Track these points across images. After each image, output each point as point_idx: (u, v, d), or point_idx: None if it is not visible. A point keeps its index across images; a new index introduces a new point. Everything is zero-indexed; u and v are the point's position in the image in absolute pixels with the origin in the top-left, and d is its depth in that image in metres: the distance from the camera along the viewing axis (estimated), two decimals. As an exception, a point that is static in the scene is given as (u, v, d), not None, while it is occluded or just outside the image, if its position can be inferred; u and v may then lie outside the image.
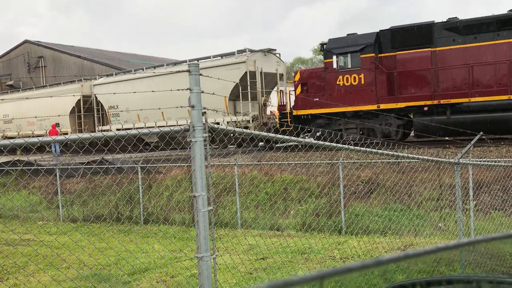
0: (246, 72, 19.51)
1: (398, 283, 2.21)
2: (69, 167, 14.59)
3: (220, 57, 20.88)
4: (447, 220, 9.95)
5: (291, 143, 4.77)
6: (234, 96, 19.90)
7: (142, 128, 4.09)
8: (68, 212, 13.64)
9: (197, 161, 3.29)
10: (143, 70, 24.07)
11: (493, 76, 15.19)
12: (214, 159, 14.95)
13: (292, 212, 11.82)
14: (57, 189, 14.15)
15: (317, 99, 17.54)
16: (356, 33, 17.56)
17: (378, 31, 17.02)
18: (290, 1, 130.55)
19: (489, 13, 16.03)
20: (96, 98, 25.61)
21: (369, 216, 10.50)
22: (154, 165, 13.22)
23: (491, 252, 2.43)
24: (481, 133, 7.94)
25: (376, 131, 17.05)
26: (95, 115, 25.90)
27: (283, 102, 19.94)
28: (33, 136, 3.52)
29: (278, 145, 17.92)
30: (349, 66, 17.15)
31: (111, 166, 13.67)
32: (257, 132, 4.05)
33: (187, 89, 3.34)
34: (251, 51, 20.37)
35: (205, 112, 3.38)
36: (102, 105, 25.56)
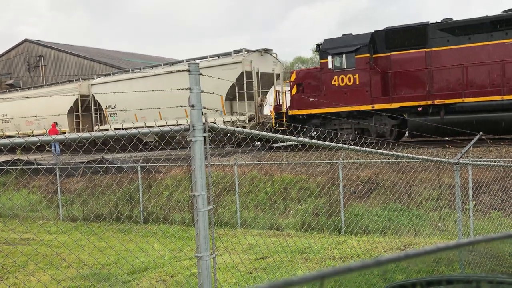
0: (242, 72, 19.57)
1: (397, 282, 2.21)
2: (69, 166, 14.59)
3: (217, 57, 20.95)
4: (446, 220, 9.95)
5: (290, 142, 4.77)
6: (231, 96, 19.94)
7: (142, 127, 4.09)
8: (68, 211, 13.64)
9: (197, 161, 3.29)
10: (140, 69, 24.10)
11: (487, 77, 15.29)
12: (214, 159, 14.95)
13: (291, 211, 11.82)
14: (57, 188, 14.15)
15: (313, 99, 17.62)
16: (351, 34, 17.63)
17: (373, 31, 17.10)
18: (290, 1, 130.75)
19: (489, 13, 16.08)
20: (93, 97, 25.62)
21: (368, 216, 10.50)
22: (154, 164, 13.22)
23: (490, 252, 2.43)
24: (481, 133, 7.94)
25: (371, 131, 17.12)
26: (93, 114, 25.90)
27: (279, 102, 20.00)
28: (33, 135, 3.52)
29: (275, 144, 17.96)
30: (344, 66, 17.24)
31: (111, 165, 13.67)
32: (257, 132, 4.05)
33: (187, 88, 3.34)
34: (248, 51, 20.42)
35: (205, 112, 3.38)
36: (99, 105, 25.57)
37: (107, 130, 23.25)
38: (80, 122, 26.18)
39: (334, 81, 17.36)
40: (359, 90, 16.93)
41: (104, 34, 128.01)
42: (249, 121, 19.85)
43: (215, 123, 3.67)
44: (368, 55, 16.82)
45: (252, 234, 9.67)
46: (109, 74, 26.21)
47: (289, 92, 19.08)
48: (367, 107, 16.78)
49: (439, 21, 16.10)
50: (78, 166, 14.14)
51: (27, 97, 27.59)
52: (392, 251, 8.11)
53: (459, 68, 15.52)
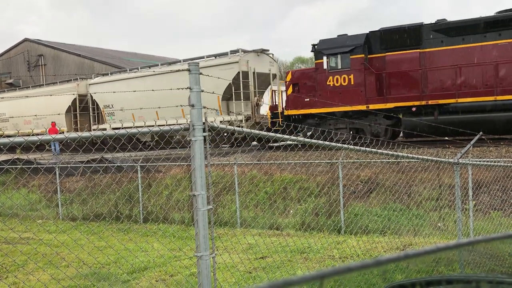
0: (239, 72, 19.63)
1: (397, 282, 2.21)
2: (68, 165, 14.58)
3: (213, 57, 21.02)
4: (446, 220, 9.95)
5: (289, 142, 4.76)
6: (227, 96, 19.98)
7: (142, 126, 4.09)
8: (67, 211, 13.64)
9: (196, 160, 3.28)
10: (138, 69, 24.12)
11: (480, 78, 15.35)
12: (213, 158, 14.95)
13: (291, 211, 11.82)
14: (57, 187, 14.15)
15: (308, 99, 17.67)
16: (346, 34, 17.67)
17: (368, 32, 17.14)
18: (290, 0, 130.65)
19: (488, 14, 16.14)
20: (91, 97, 25.64)
21: (368, 216, 10.50)
22: (154, 164, 13.22)
23: (490, 252, 2.43)
24: (481, 133, 7.94)
25: (366, 131, 17.18)
26: (91, 114, 25.92)
27: (275, 102, 20.04)
28: (33, 135, 3.51)
29: (273, 144, 17.98)
30: (339, 66, 17.29)
31: (111, 164, 13.67)
32: (257, 132, 4.04)
33: (187, 88, 3.34)
34: (244, 51, 20.48)
35: (205, 112, 3.37)
36: (97, 104, 25.58)
37: (106, 129, 23.26)
38: (78, 121, 26.20)
39: (329, 81, 17.41)
40: (354, 90, 16.99)
41: (104, 33, 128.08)
42: (246, 121, 19.91)
43: (214, 122, 3.66)
44: (363, 55, 16.88)
45: (251, 234, 9.67)
46: (107, 74, 26.26)
47: (285, 92, 19.15)
48: (362, 107, 16.85)
49: (434, 22, 16.16)
50: (78, 165, 14.14)
51: (25, 97, 27.60)
52: (392, 251, 8.11)
53: (453, 68, 15.59)
